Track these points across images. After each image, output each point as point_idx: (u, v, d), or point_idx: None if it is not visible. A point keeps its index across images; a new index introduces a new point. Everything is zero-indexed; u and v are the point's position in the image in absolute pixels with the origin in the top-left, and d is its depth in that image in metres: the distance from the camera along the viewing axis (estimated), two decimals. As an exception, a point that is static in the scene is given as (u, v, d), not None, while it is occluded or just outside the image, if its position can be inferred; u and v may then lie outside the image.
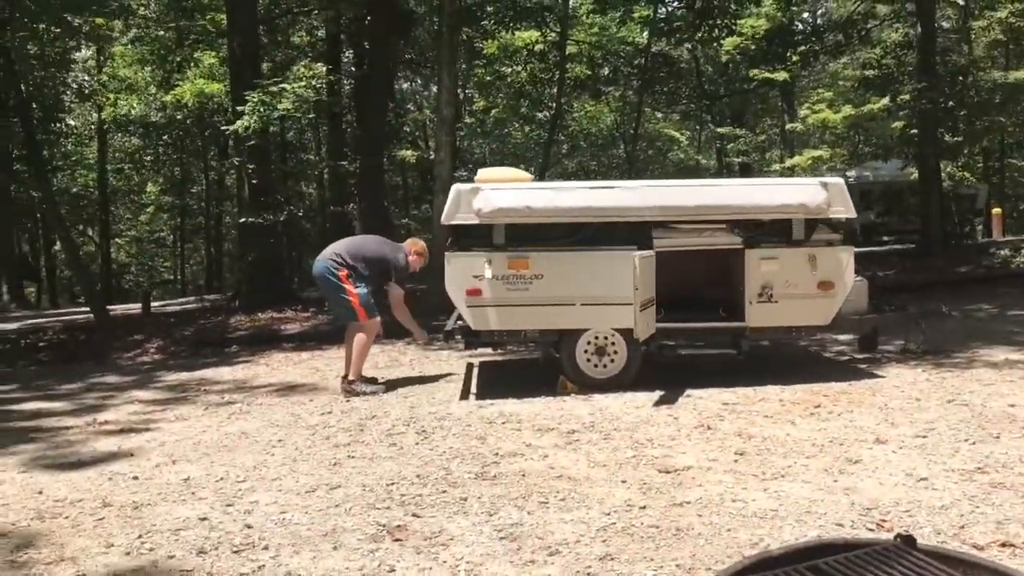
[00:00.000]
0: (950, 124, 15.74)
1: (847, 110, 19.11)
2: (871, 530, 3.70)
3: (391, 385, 7.40)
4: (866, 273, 8.09)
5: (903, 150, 17.54)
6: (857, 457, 4.74)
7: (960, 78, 16.14)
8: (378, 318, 7.30)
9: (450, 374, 7.96)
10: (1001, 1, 18.16)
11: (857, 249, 7.68)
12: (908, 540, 2.61)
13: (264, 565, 3.58)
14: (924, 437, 5.07)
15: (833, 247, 6.83)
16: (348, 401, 6.89)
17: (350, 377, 7.21)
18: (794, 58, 17.80)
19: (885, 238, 22.68)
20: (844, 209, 6.77)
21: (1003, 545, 3.47)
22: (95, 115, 25.43)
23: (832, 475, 4.46)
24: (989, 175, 25.60)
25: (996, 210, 22.46)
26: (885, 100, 17.34)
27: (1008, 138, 24.54)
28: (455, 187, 6.82)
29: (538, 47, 19.40)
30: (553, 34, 18.85)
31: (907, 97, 16.06)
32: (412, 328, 7.61)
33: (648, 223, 6.77)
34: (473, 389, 7.25)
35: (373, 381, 7.37)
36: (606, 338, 6.79)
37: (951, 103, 15.23)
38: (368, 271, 7.24)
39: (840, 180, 6.96)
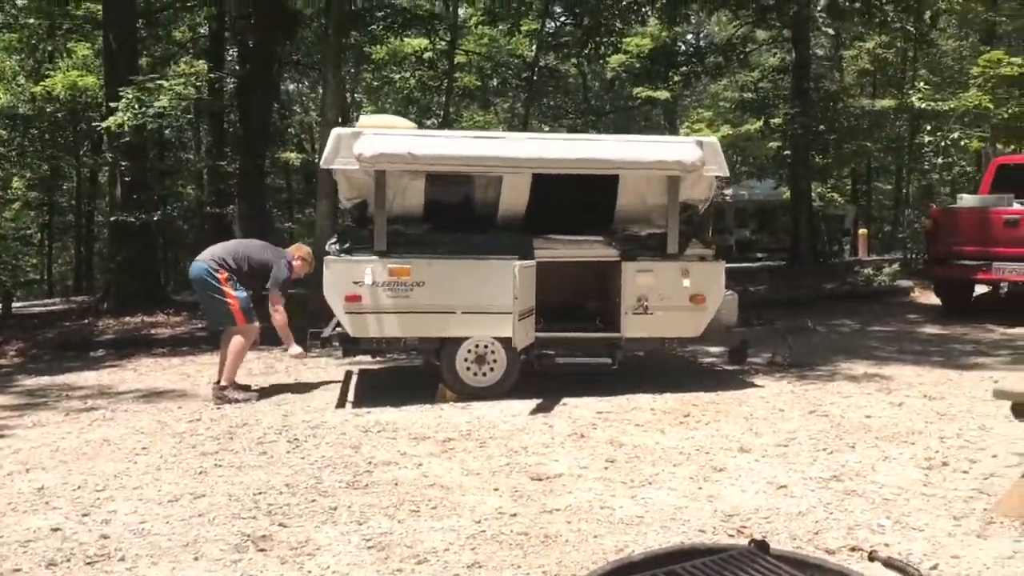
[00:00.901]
0: (821, 147, 16.48)
1: (725, 130, 19.80)
2: (731, 536, 3.82)
3: (265, 392, 7.23)
4: (737, 288, 8.36)
5: (777, 170, 18.27)
6: (722, 465, 4.89)
7: (831, 103, 16.92)
8: (256, 324, 7.12)
9: (327, 382, 7.83)
10: (869, 33, 19.18)
11: (730, 264, 7.96)
12: (761, 545, 2.71)
13: (118, 577, 3.44)
14: (785, 446, 5.28)
15: (705, 261, 7.04)
16: (219, 408, 6.69)
17: (222, 382, 7.00)
18: (676, 78, 18.32)
19: (758, 255, 23.57)
20: (717, 168, 6.96)
21: (852, 549, 3.64)
22: (-44, 104, 24.03)
23: (697, 482, 4.59)
24: (857, 197, 26.96)
25: (862, 231, 23.62)
26: (760, 122, 18.04)
27: (874, 162, 25.88)
28: (335, 131, 6.74)
29: (427, 55, 19.37)
30: (443, 43, 18.86)
31: (779, 121, 16.74)
32: (287, 340, 7.29)
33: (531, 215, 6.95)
34: (350, 397, 7.15)
35: (246, 388, 7.19)
36: (486, 346, 6.81)
37: (822, 127, 15.95)
38: (250, 276, 7.07)
39: (715, 139, 7.21)
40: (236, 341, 7.00)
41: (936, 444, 5.27)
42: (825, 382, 7.33)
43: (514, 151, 6.69)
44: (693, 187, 7.09)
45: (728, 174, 7.41)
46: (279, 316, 7.12)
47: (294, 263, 7.30)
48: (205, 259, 7.06)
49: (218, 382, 7.10)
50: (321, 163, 6.81)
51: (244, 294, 7.01)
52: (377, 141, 6.51)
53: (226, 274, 6.96)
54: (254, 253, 7.21)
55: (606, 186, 7.12)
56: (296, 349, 7.25)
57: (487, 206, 7.16)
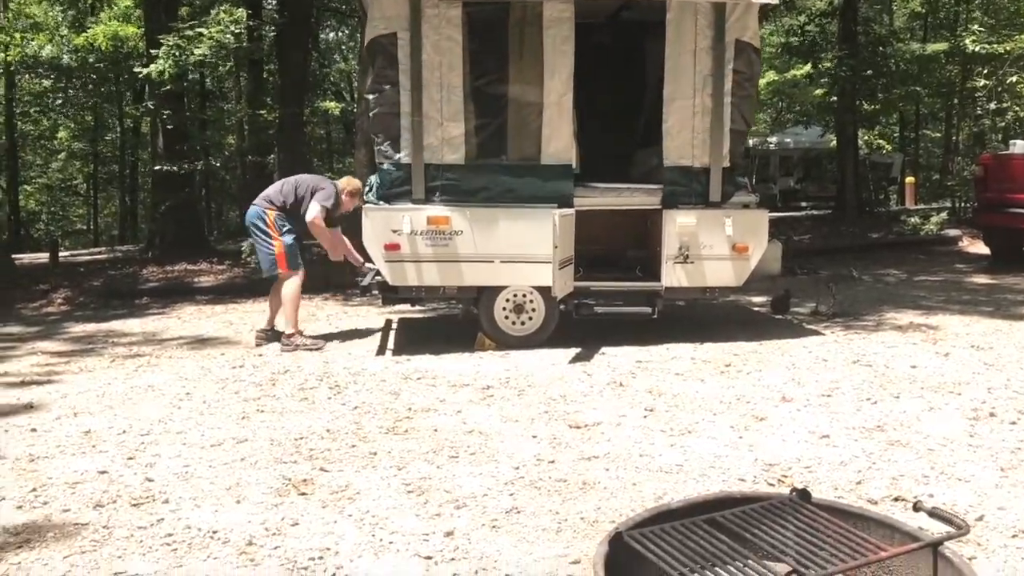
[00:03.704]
0: (869, 92, 16.07)
1: (771, 75, 19.34)
2: (771, 485, 3.79)
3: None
4: (780, 237, 8.22)
5: (824, 117, 17.85)
6: (763, 415, 4.84)
7: (880, 48, 16.44)
8: (301, 271, 7.14)
9: (368, 329, 7.87)
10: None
11: (774, 214, 7.81)
12: (803, 494, 2.68)
13: (163, 519, 3.51)
14: (828, 396, 5.21)
15: (749, 209, 6.92)
16: (260, 355, 6.77)
17: (288, 331, 7.02)
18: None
19: (803, 203, 23.18)
20: None
21: (895, 500, 3.60)
22: (0, 55, 24.27)
23: (738, 432, 4.55)
24: (904, 144, 26.32)
25: (909, 179, 23.08)
26: (808, 67, 17.59)
27: (923, 108, 25.21)
28: None
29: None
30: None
31: (829, 65, 16.32)
32: (354, 259, 7.33)
33: None
34: (390, 345, 7.19)
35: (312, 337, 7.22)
36: (524, 296, 6.78)
37: (870, 72, 15.53)
38: (298, 208, 7.01)
39: None
40: (288, 288, 7.03)
41: (983, 395, 5.17)
42: (870, 332, 7.21)
43: None
44: (742, 20, 6.71)
45: (778, 1, 6.99)
46: (321, 232, 7.08)
47: (343, 197, 7.20)
48: (257, 201, 7.10)
49: (264, 329, 7.18)
50: None
51: (291, 239, 7.01)
52: None
53: (274, 213, 6.96)
54: (301, 185, 7.13)
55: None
56: (361, 262, 7.26)
57: (532, 74, 6.68)
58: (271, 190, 7.19)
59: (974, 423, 4.63)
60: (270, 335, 7.23)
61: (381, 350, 6.93)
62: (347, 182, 7.34)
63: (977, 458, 4.09)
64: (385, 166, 6.63)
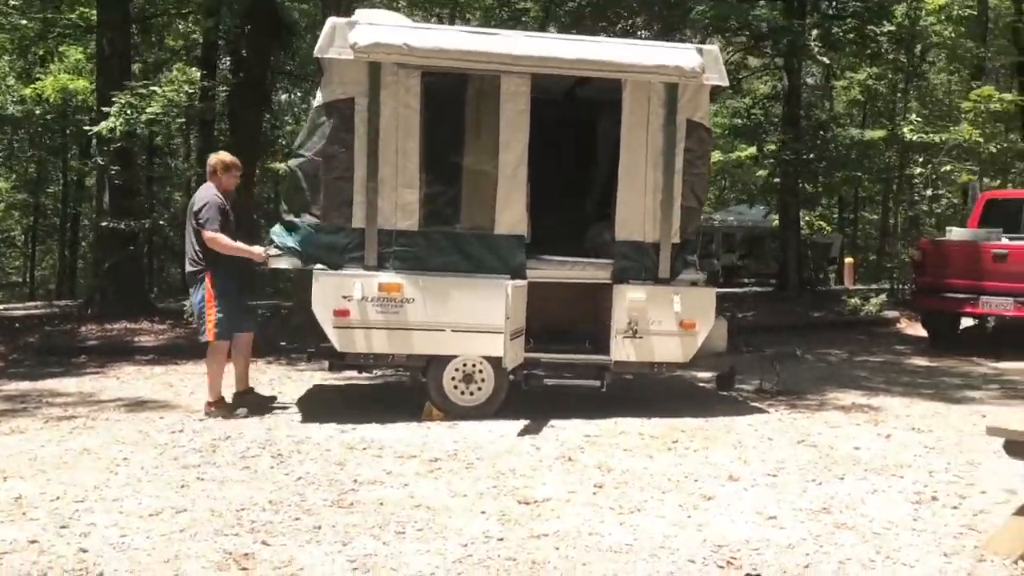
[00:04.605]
0: (811, 175, 16.55)
1: (716, 156, 19.84)
2: (721, 568, 3.78)
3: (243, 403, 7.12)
4: (726, 314, 8.34)
5: (766, 197, 18.31)
6: (711, 494, 4.85)
7: (821, 132, 17.00)
8: (243, 334, 6.92)
9: (313, 395, 7.74)
10: (861, 64, 19.32)
11: (718, 290, 7.92)
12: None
13: (97, 594, 3.36)
14: (774, 476, 5.24)
15: (697, 287, 7.01)
16: (201, 420, 6.60)
17: (209, 399, 6.82)
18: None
19: (745, 280, 23.63)
20: (718, 77, 6.88)
21: (843, 584, 3.60)
22: (-56, 103, 23.85)
23: (686, 511, 4.54)
24: (844, 226, 27.09)
25: (848, 259, 23.70)
26: (752, 149, 18.09)
27: (862, 192, 26.03)
28: (331, 20, 6.54)
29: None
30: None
31: (773, 147, 16.80)
32: (246, 252, 6.69)
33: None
34: (335, 412, 7.06)
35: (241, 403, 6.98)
36: (474, 365, 6.75)
37: (812, 155, 16.02)
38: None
39: (716, 48, 7.20)
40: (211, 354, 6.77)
41: (925, 478, 5.25)
42: (813, 411, 7.31)
43: (512, 47, 6.58)
44: (693, 100, 6.90)
45: (728, 84, 7.30)
46: (221, 242, 6.56)
47: (220, 178, 6.79)
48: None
49: (239, 392, 6.97)
50: (315, 52, 6.54)
51: (222, 310, 6.62)
52: (373, 32, 6.36)
53: (208, 272, 6.61)
54: (194, 210, 6.64)
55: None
56: (259, 249, 6.74)
57: (487, 144, 6.76)
58: (189, 240, 6.75)
59: (917, 507, 4.69)
60: (247, 398, 6.99)
61: (326, 418, 6.80)
62: (217, 160, 6.90)
63: (921, 542, 4.14)
64: (309, 223, 6.54)
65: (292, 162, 6.73)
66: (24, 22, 18.00)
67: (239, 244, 6.71)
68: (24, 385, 8.26)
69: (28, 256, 30.11)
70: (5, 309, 15.46)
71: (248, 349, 7.06)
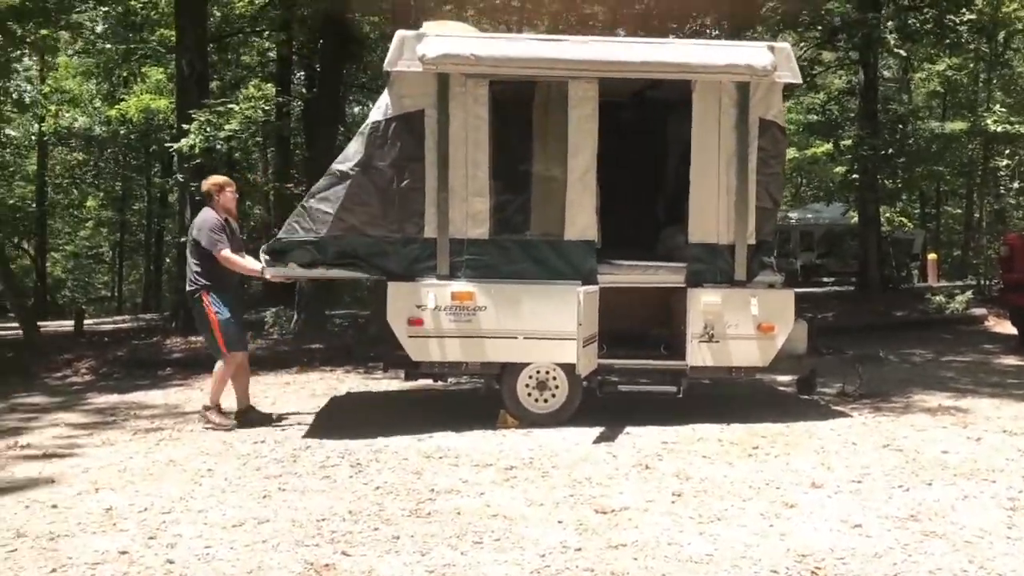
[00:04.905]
0: (889, 170, 16.14)
1: (791, 153, 19.48)
2: (805, 578, 3.69)
3: (327, 414, 7.23)
4: (805, 316, 8.16)
5: (844, 194, 17.90)
6: (793, 501, 4.74)
7: (900, 126, 16.56)
8: (241, 352, 6.98)
9: (390, 404, 7.82)
10: (940, 55, 18.76)
11: (796, 290, 7.76)
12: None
13: (183, 604, 3.44)
14: (859, 482, 5.10)
15: (775, 289, 6.88)
16: (282, 430, 6.72)
17: (207, 403, 6.95)
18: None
19: (825, 279, 23.11)
20: (791, 74, 6.78)
21: (934, 596, 3.48)
22: (36, 126, 24.84)
23: (768, 519, 4.45)
24: (926, 221, 26.33)
25: (932, 255, 23.02)
26: (828, 145, 17.70)
27: (944, 186, 25.26)
28: (399, 33, 6.62)
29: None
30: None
31: (849, 143, 16.42)
32: (251, 271, 6.83)
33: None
34: (412, 421, 7.11)
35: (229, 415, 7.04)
36: (548, 372, 6.74)
37: (891, 150, 15.61)
38: (211, 260, 6.76)
39: (787, 45, 7.06)
40: (219, 365, 6.91)
41: (1019, 483, 5.05)
42: (898, 414, 7.09)
43: (578, 53, 6.57)
44: (766, 99, 6.79)
45: (801, 80, 7.18)
46: (234, 260, 6.76)
47: (218, 198, 6.96)
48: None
49: (240, 411, 7.06)
50: (384, 66, 6.62)
51: (227, 314, 6.77)
52: (441, 43, 6.43)
53: (206, 288, 6.76)
54: (194, 235, 6.84)
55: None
56: (261, 269, 6.68)
57: (555, 151, 6.77)
58: (191, 259, 6.91)
59: (1011, 513, 4.52)
60: (251, 414, 7.07)
61: (403, 427, 6.86)
62: (209, 184, 7.06)
63: (1017, 551, 3.98)
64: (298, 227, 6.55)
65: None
66: (108, 46, 18.68)
67: (248, 263, 6.87)
68: (113, 398, 8.54)
69: (115, 271, 31.20)
70: (95, 323, 16.01)
71: (246, 368, 7.17)
